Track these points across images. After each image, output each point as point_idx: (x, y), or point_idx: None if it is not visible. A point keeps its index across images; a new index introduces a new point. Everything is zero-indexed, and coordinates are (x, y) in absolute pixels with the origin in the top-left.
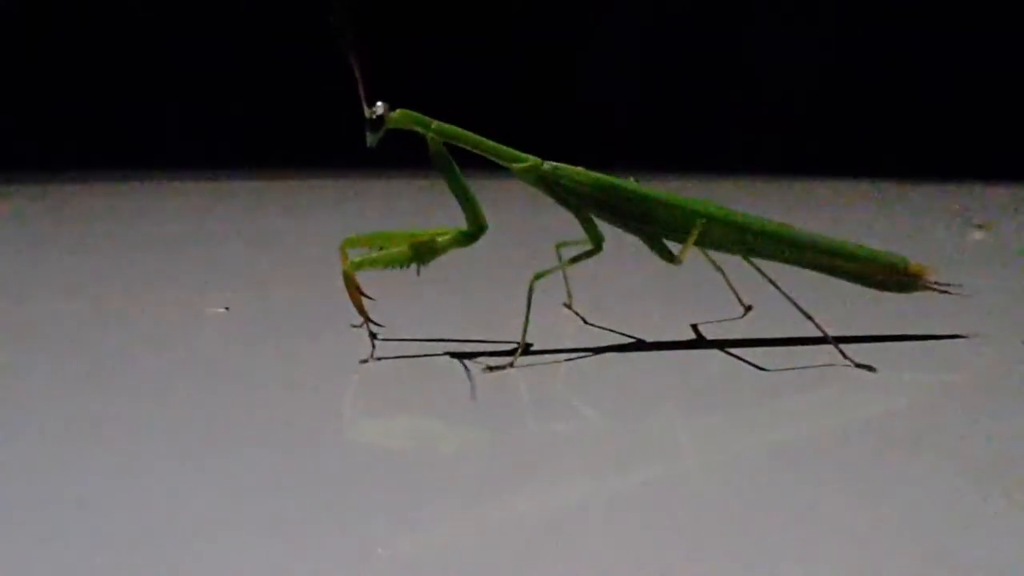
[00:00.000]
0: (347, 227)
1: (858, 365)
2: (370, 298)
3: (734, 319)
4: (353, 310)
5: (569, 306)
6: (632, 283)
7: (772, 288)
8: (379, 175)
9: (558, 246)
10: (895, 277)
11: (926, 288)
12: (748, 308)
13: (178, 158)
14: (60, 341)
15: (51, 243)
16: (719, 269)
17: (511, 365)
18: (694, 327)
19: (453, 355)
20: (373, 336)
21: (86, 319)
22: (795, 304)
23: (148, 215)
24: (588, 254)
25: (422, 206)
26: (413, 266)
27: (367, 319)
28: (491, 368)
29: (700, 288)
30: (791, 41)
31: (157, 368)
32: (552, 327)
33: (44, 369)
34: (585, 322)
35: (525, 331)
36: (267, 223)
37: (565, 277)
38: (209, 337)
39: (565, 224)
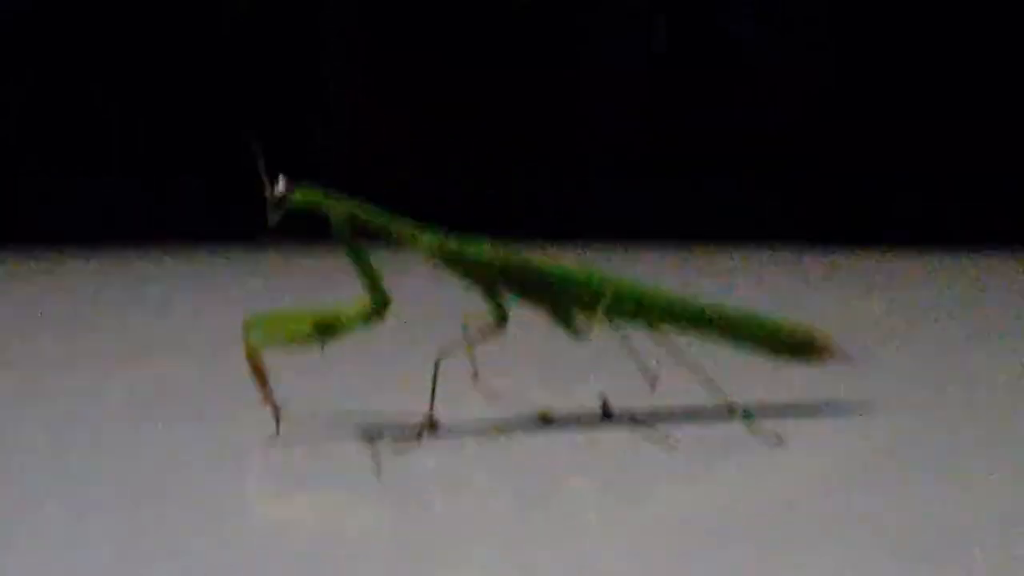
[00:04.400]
0: (249, 298)
1: (765, 436)
2: (270, 382)
3: (640, 390)
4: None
5: (476, 375)
6: (539, 355)
7: (679, 359)
8: (281, 246)
9: (465, 319)
10: (800, 349)
11: (830, 357)
12: (656, 378)
13: (66, 231)
14: None
15: None
16: (625, 340)
17: (418, 440)
18: (603, 399)
19: (360, 432)
20: (276, 412)
21: None
22: (702, 375)
23: (40, 290)
24: (493, 330)
25: (328, 277)
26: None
27: (270, 400)
28: (398, 444)
29: (607, 359)
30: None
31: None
32: (459, 401)
33: None
34: (491, 394)
35: (432, 407)
36: (167, 295)
37: (471, 353)
38: (111, 415)
39: (470, 295)
